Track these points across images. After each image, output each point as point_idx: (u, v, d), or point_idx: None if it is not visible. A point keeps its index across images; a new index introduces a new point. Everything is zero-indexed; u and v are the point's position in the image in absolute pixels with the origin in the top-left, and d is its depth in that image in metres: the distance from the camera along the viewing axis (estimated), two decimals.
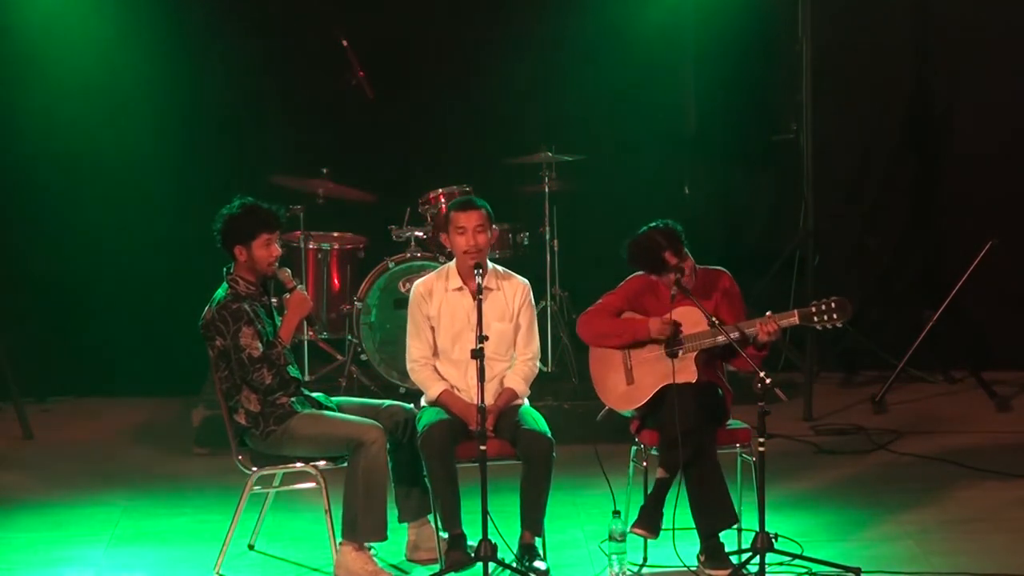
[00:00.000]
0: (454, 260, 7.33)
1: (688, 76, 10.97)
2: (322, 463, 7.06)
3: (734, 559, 6.98)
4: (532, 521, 7.05)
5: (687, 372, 7.05)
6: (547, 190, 9.85)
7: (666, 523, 7.03)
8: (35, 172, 10.70)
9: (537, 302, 7.62)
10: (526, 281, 7.40)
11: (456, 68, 10.78)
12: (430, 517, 7.23)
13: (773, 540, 6.81)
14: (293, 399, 7.10)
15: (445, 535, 7.03)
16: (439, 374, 7.29)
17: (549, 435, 7.05)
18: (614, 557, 6.92)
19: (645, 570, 7.12)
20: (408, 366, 7.34)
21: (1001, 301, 10.91)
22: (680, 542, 7.02)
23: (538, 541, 7.08)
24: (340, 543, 6.99)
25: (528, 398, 7.38)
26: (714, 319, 6.93)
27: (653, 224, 7.19)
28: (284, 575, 7.24)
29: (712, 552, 6.99)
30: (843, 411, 9.99)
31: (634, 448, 7.30)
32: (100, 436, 9.77)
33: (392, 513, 7.19)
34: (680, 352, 7.06)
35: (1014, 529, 7.57)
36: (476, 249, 7.17)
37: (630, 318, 7.15)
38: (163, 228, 10.71)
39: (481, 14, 10.77)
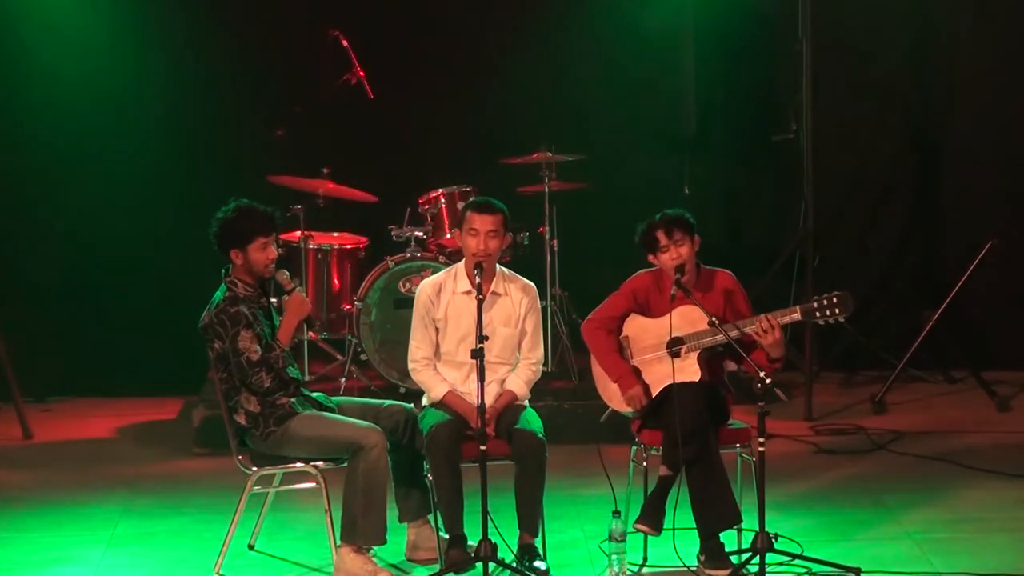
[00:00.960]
0: (462, 261, 7.31)
1: (688, 76, 10.97)
2: (322, 463, 7.06)
3: (734, 559, 6.98)
4: (528, 521, 7.04)
5: (690, 371, 7.04)
6: (547, 190, 9.85)
7: (666, 523, 7.02)
8: (35, 172, 10.71)
9: None
10: (532, 284, 7.38)
11: (456, 68, 10.78)
12: (430, 517, 7.23)
13: (773, 540, 6.80)
14: (293, 400, 7.09)
15: (445, 535, 7.03)
16: (441, 375, 7.29)
17: (541, 435, 7.03)
18: (614, 557, 6.92)
19: (645, 570, 7.12)
20: (410, 366, 7.33)
21: (1001, 301, 10.92)
22: (680, 542, 7.02)
23: (538, 541, 7.08)
24: (339, 544, 6.99)
25: (528, 399, 7.37)
26: (714, 319, 6.93)
27: (669, 210, 7.17)
28: (284, 575, 7.24)
29: (712, 552, 6.99)
30: (843, 411, 9.99)
31: (635, 448, 7.30)
32: (100, 436, 9.77)
33: (392, 513, 7.19)
34: (682, 351, 7.06)
35: (1014, 529, 7.57)
36: (485, 253, 7.15)
37: (624, 368, 7.13)
38: (163, 228, 10.72)
39: (481, 14, 10.77)
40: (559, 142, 9.85)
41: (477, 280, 7.08)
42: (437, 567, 7.00)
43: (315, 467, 7.05)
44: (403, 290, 9.56)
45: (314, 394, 7.30)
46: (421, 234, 9.76)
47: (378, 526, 6.97)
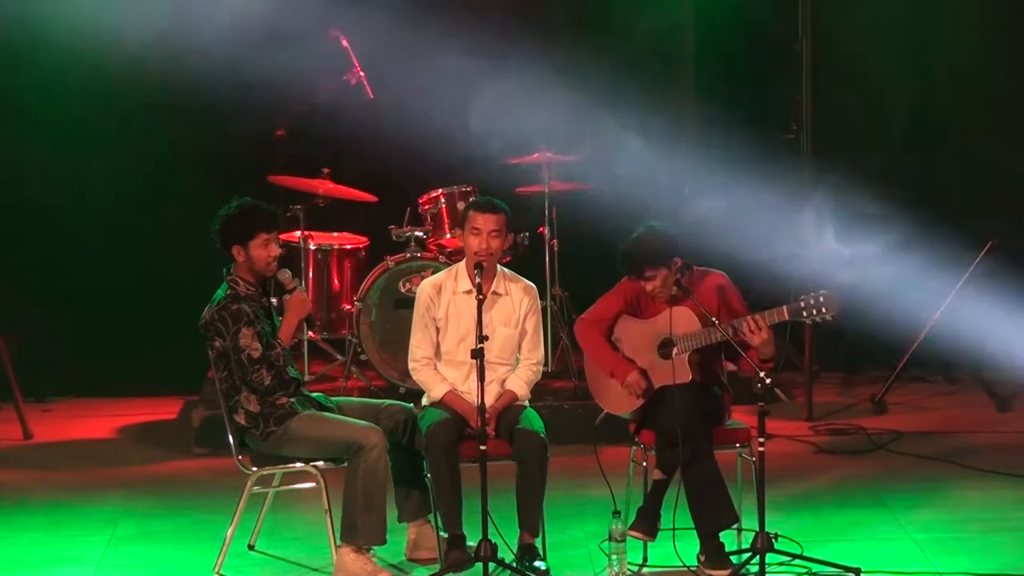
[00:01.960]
0: (463, 261, 7.30)
1: (688, 75, 10.96)
2: (322, 463, 7.06)
3: (734, 559, 6.98)
4: (529, 521, 7.04)
5: (682, 372, 7.04)
6: (547, 190, 9.84)
7: (666, 523, 7.03)
8: (34, 172, 10.71)
9: None
10: (533, 285, 7.38)
11: (456, 68, 10.76)
12: (430, 517, 7.23)
13: (773, 540, 6.81)
14: (293, 399, 7.09)
15: (445, 535, 7.03)
16: (441, 375, 7.29)
17: (543, 435, 7.04)
18: (614, 557, 6.92)
19: (645, 570, 7.12)
20: (410, 365, 7.33)
21: (1001, 301, 10.90)
22: (680, 542, 7.02)
23: (538, 541, 7.08)
24: (339, 544, 6.99)
25: (528, 399, 7.37)
26: (714, 319, 6.93)
27: (646, 228, 7.11)
28: (284, 575, 7.24)
29: (712, 552, 6.99)
30: (843, 411, 9.99)
31: (634, 448, 7.30)
32: (100, 436, 9.77)
33: (392, 513, 7.19)
34: (673, 353, 7.05)
35: (1014, 529, 7.57)
36: (487, 253, 7.15)
37: (619, 359, 7.13)
38: (163, 228, 10.72)
39: (481, 14, 10.77)
40: (559, 142, 9.84)
41: (477, 280, 7.08)
42: (437, 567, 7.00)
43: (315, 467, 7.05)
44: (403, 290, 9.56)
45: (314, 394, 7.30)
46: (421, 234, 9.76)
47: (378, 526, 6.97)
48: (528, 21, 10.81)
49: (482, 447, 6.75)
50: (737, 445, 7.17)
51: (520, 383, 7.24)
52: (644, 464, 7.15)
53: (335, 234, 10.14)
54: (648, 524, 6.97)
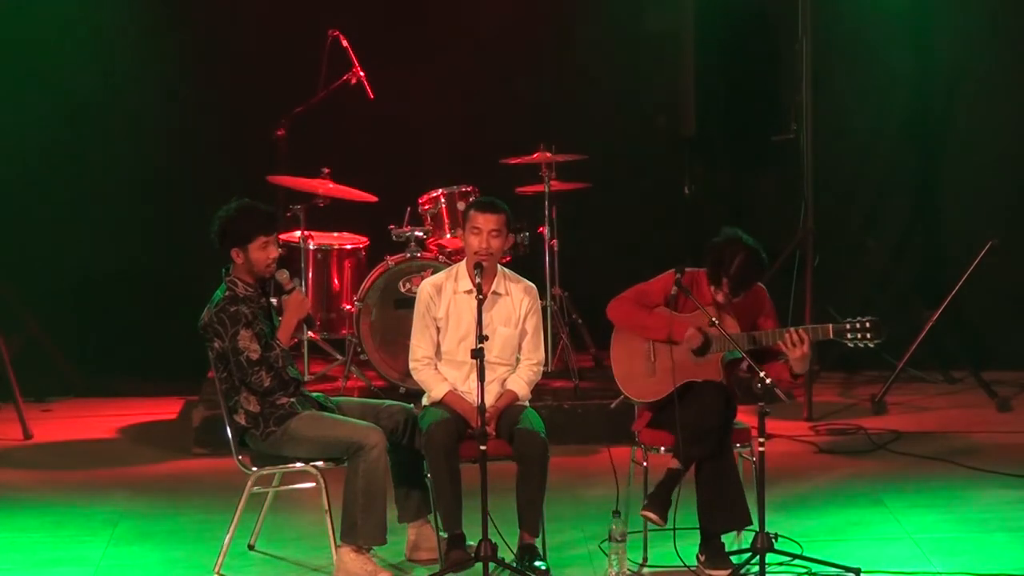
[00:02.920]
0: (463, 260, 7.30)
1: (688, 76, 10.97)
2: (322, 463, 7.05)
3: (734, 559, 6.98)
4: (529, 521, 7.04)
5: (712, 371, 7.02)
6: (547, 190, 9.85)
7: (667, 523, 7.02)
8: (34, 172, 10.71)
9: None
10: (533, 285, 7.38)
11: (456, 68, 10.78)
12: (430, 517, 7.23)
13: (773, 540, 6.81)
14: (293, 400, 7.09)
15: (445, 535, 7.03)
16: (441, 375, 7.29)
17: (543, 435, 7.04)
18: (614, 557, 6.92)
19: (645, 570, 7.12)
20: (411, 365, 7.33)
21: (1001, 301, 10.92)
22: (680, 542, 7.02)
23: (538, 541, 7.08)
24: (339, 544, 6.99)
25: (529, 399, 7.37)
26: (714, 319, 6.92)
27: (749, 249, 7.00)
28: (284, 575, 7.24)
29: (713, 552, 6.99)
30: (843, 411, 9.99)
31: (635, 448, 7.30)
32: (100, 436, 9.77)
33: (392, 513, 7.19)
34: (710, 351, 7.04)
35: (1014, 529, 7.57)
36: (488, 253, 7.15)
37: (670, 316, 7.09)
38: (163, 228, 10.74)
39: (481, 13, 10.77)
40: (559, 142, 9.85)
41: (477, 280, 7.08)
42: (437, 567, 7.00)
43: (315, 467, 7.04)
44: (403, 290, 9.55)
45: (314, 394, 7.30)
46: (421, 234, 9.76)
47: (378, 526, 6.97)
48: (529, 21, 10.80)
49: (482, 447, 6.75)
50: (737, 445, 7.17)
51: (521, 383, 7.24)
52: (644, 464, 7.15)
53: (335, 234, 10.14)
54: (662, 507, 6.95)
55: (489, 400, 7.04)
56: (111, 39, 10.69)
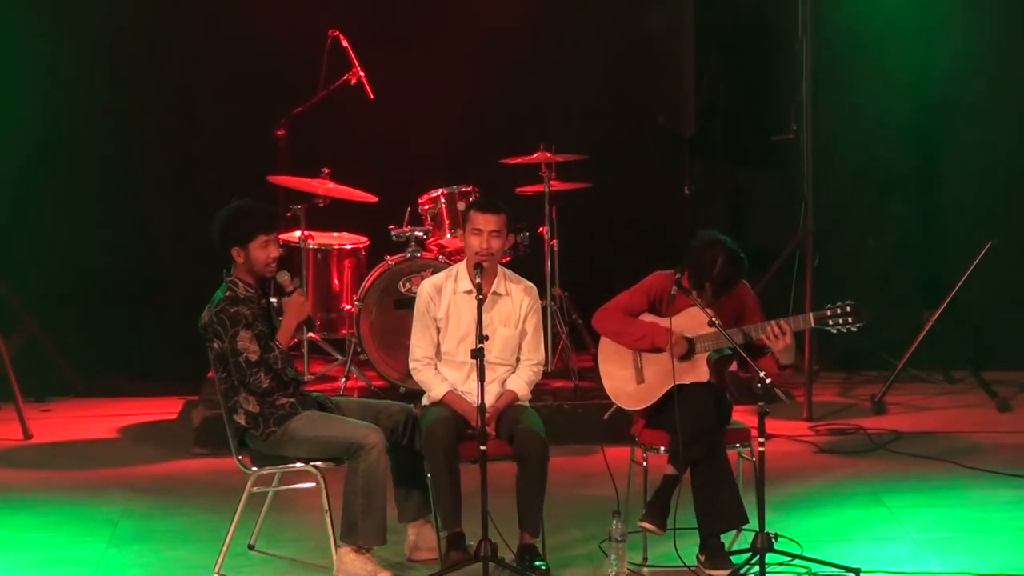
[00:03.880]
0: (463, 261, 7.30)
1: (688, 76, 10.97)
2: (322, 463, 7.05)
3: (734, 559, 6.98)
4: (529, 521, 7.04)
5: (699, 372, 7.04)
6: (547, 190, 9.85)
7: (667, 523, 7.02)
8: (34, 172, 10.71)
9: None
10: (533, 285, 7.38)
11: (456, 67, 10.78)
12: (430, 517, 7.23)
13: (773, 540, 6.81)
14: (293, 400, 7.09)
15: (445, 535, 7.03)
16: (441, 375, 7.29)
17: (543, 435, 7.04)
18: (614, 557, 6.92)
19: (645, 570, 7.12)
20: (411, 366, 7.33)
21: (1001, 301, 10.92)
22: (680, 542, 7.02)
23: (537, 541, 7.08)
24: (339, 545, 6.98)
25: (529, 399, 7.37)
26: (714, 319, 6.93)
27: (728, 252, 7.00)
28: (284, 575, 7.24)
29: (713, 552, 6.99)
30: (843, 411, 9.99)
31: (635, 448, 7.30)
32: (100, 436, 9.77)
33: (392, 513, 7.19)
34: (693, 352, 7.05)
35: (1014, 529, 7.57)
36: (488, 253, 7.15)
37: (652, 323, 7.11)
38: (163, 228, 10.73)
39: (481, 13, 10.77)
40: (559, 142, 9.85)
41: (478, 280, 7.08)
42: (437, 567, 7.00)
43: (315, 467, 7.04)
44: (403, 290, 9.55)
45: (314, 394, 7.30)
46: (421, 234, 9.76)
47: (378, 526, 6.97)
48: (528, 21, 10.80)
49: (482, 447, 6.75)
50: (737, 445, 7.17)
51: (521, 383, 7.24)
52: (644, 464, 7.15)
53: (335, 234, 10.14)
54: (660, 516, 6.96)
55: (489, 400, 7.04)
56: (111, 39, 10.68)
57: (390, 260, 9.65)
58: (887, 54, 10.95)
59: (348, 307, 9.77)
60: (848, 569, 6.90)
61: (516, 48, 10.78)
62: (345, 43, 10.04)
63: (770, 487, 6.89)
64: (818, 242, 10.19)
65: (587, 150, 9.94)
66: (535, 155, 9.84)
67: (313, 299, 9.77)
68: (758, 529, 6.78)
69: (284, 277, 7.14)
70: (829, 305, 7.00)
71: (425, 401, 7.31)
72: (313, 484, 7.06)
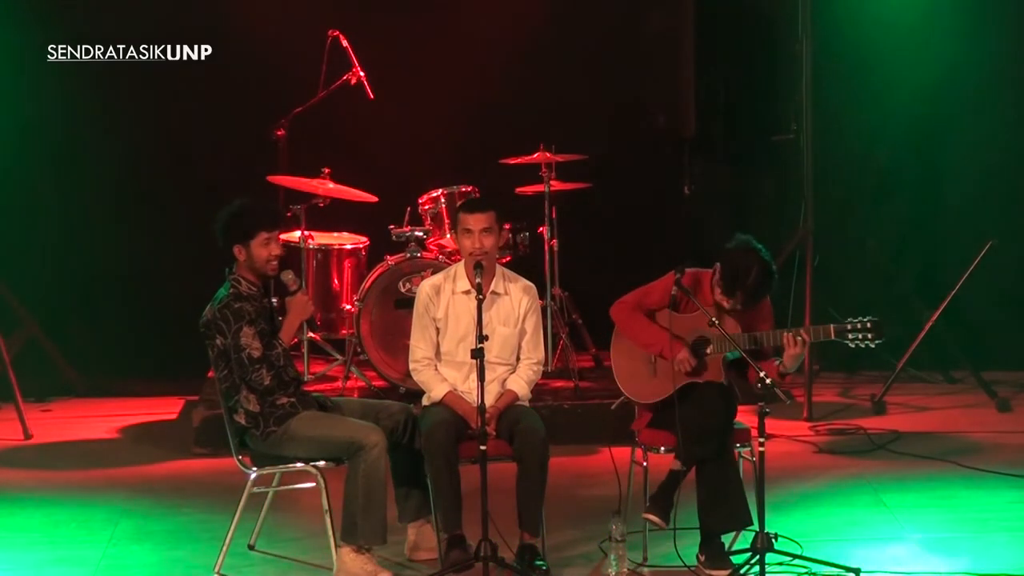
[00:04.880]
0: (462, 261, 7.31)
1: (688, 76, 10.97)
2: (322, 463, 7.05)
3: (734, 559, 6.98)
4: (529, 521, 7.04)
5: (714, 372, 7.03)
6: (547, 190, 9.85)
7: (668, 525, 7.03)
8: (35, 172, 10.72)
9: None
10: (532, 284, 7.38)
11: (456, 67, 10.78)
12: (430, 517, 7.23)
13: (773, 540, 6.81)
14: (293, 399, 7.09)
15: (445, 535, 7.03)
16: (441, 375, 7.29)
17: (543, 435, 7.04)
18: (614, 557, 6.92)
19: (645, 570, 7.12)
20: (411, 366, 7.33)
21: (1001, 301, 10.92)
22: (680, 542, 7.02)
23: (537, 541, 7.08)
24: (339, 545, 6.98)
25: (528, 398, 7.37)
26: (714, 319, 6.92)
27: (763, 254, 6.97)
28: (284, 575, 7.24)
29: (713, 552, 6.99)
30: (843, 411, 9.99)
31: (634, 448, 7.30)
32: (100, 436, 9.77)
33: (392, 513, 7.18)
34: (708, 352, 7.04)
35: (1014, 529, 7.57)
36: (482, 252, 7.15)
37: (666, 335, 7.10)
38: (163, 228, 10.74)
39: (482, 13, 10.78)
40: (559, 142, 9.85)
41: (477, 280, 7.08)
42: (437, 567, 7.00)
43: (315, 467, 7.04)
44: (403, 290, 9.55)
45: (314, 394, 7.30)
46: (421, 234, 9.76)
47: (378, 526, 6.97)
48: (529, 21, 10.81)
49: (482, 447, 6.75)
50: (737, 445, 7.17)
51: (521, 383, 7.24)
52: (644, 464, 7.15)
53: (335, 234, 10.14)
54: (664, 509, 6.96)
55: (489, 400, 7.04)
56: (112, 40, 10.68)
57: (390, 260, 9.65)
58: (887, 54, 10.95)
59: (348, 307, 9.77)
60: (848, 569, 6.90)
61: (516, 48, 10.78)
62: (345, 43, 10.04)
63: (770, 487, 6.89)
64: (818, 242, 10.19)
65: (587, 150, 9.94)
66: (535, 155, 9.84)
67: (313, 299, 9.76)
68: (758, 529, 6.78)
69: (288, 276, 7.14)
70: (850, 320, 6.98)
71: (425, 402, 7.31)
72: (313, 484, 7.06)
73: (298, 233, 9.77)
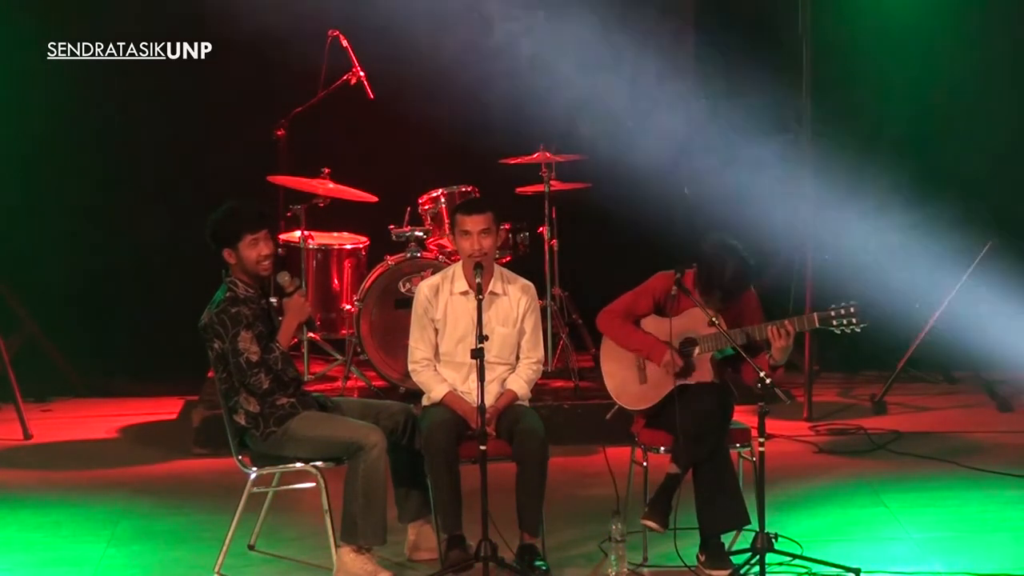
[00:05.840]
0: (459, 262, 7.31)
1: (687, 76, 10.96)
2: (322, 463, 7.05)
3: (734, 559, 6.98)
4: (529, 521, 7.04)
5: (703, 372, 7.04)
6: (547, 190, 9.85)
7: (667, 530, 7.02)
8: (35, 172, 10.71)
9: None
10: (530, 284, 7.38)
11: (456, 67, 10.77)
12: (430, 517, 7.23)
13: (773, 540, 6.81)
14: (293, 400, 7.09)
15: (445, 535, 7.03)
16: (441, 376, 7.29)
17: (543, 435, 7.04)
18: (614, 557, 6.92)
19: (645, 570, 7.12)
20: (410, 367, 7.33)
21: (1001, 301, 10.90)
22: (680, 542, 7.02)
23: (537, 541, 7.08)
24: (339, 545, 6.98)
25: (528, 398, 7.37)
26: (714, 319, 6.93)
27: (738, 251, 7.00)
28: (284, 575, 7.24)
29: (713, 552, 6.99)
30: (843, 411, 9.99)
31: (635, 448, 7.30)
32: (100, 436, 9.77)
33: (392, 513, 7.18)
34: (695, 353, 7.04)
35: (1014, 529, 7.58)
36: (481, 253, 7.15)
37: (652, 338, 7.11)
38: (163, 229, 10.73)
39: (482, 13, 10.76)
40: (559, 142, 9.84)
41: (477, 280, 7.08)
42: (437, 567, 7.00)
43: (315, 467, 7.04)
44: (403, 290, 9.55)
45: (314, 394, 7.30)
46: (421, 234, 9.76)
47: (378, 526, 6.97)
48: (528, 21, 10.80)
49: (482, 447, 6.75)
50: (737, 445, 7.17)
51: (520, 382, 7.24)
52: (644, 464, 7.15)
53: (335, 234, 10.14)
54: (662, 514, 6.96)
55: (489, 400, 7.04)
56: (112, 40, 10.68)
57: (390, 260, 9.65)
58: (887, 54, 10.95)
59: (348, 307, 9.77)
60: (848, 569, 6.90)
61: (516, 48, 10.76)
62: (345, 43, 10.04)
63: (770, 487, 6.89)
64: (818, 242, 10.18)
65: (587, 150, 9.93)
66: (535, 155, 9.84)
67: (313, 299, 9.78)
68: (758, 529, 6.78)
69: (285, 278, 7.13)
70: (832, 306, 6.99)
71: (425, 402, 7.31)
72: (313, 484, 7.06)
73: (298, 233, 9.77)
